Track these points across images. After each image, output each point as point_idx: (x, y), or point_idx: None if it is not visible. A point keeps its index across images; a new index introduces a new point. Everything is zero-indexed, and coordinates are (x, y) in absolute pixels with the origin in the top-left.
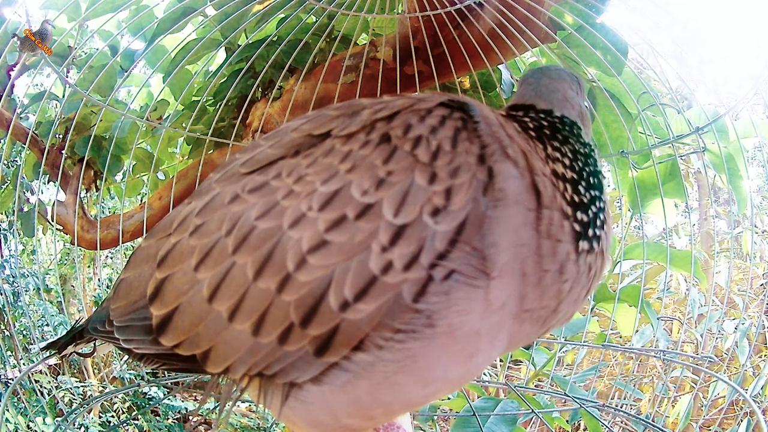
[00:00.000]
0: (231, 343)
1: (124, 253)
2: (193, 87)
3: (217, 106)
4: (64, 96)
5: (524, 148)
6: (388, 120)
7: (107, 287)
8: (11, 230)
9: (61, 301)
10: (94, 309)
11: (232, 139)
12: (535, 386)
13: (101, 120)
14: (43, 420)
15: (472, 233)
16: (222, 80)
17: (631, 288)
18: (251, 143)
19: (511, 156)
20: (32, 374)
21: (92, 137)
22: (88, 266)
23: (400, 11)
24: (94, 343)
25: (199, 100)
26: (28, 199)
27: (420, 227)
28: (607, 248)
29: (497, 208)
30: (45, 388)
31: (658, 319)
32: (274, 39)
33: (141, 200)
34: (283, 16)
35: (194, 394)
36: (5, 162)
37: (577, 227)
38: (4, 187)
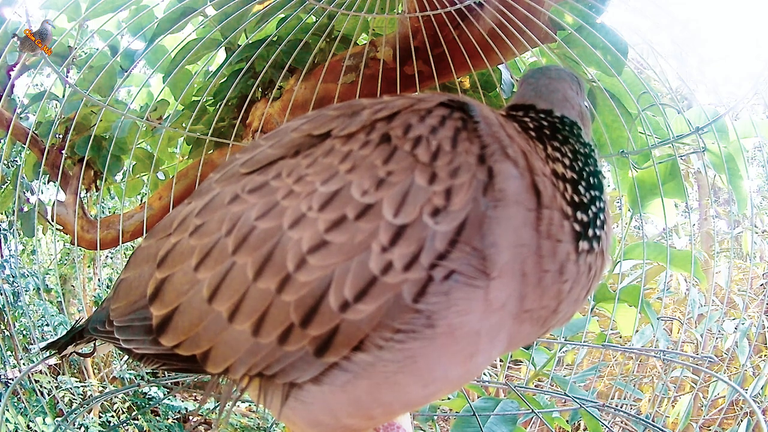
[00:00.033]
0: (231, 344)
1: (124, 253)
2: (193, 87)
3: (217, 106)
4: (64, 96)
5: (524, 148)
6: (388, 120)
7: (107, 287)
8: (11, 230)
9: (61, 301)
10: (94, 309)
11: (232, 139)
12: (535, 386)
13: (101, 120)
14: (43, 420)
15: (472, 233)
16: (222, 80)
17: (631, 288)
18: (251, 143)
19: (511, 156)
20: (32, 374)
21: (92, 137)
22: (88, 266)
23: (400, 11)
24: (94, 343)
25: (199, 100)
26: (28, 199)
27: (420, 227)
28: (607, 248)
29: (497, 208)
30: (45, 388)
31: (658, 319)
32: (274, 39)
33: (141, 200)
34: (283, 16)
35: (194, 394)
36: (5, 162)
37: (577, 227)
38: (4, 187)
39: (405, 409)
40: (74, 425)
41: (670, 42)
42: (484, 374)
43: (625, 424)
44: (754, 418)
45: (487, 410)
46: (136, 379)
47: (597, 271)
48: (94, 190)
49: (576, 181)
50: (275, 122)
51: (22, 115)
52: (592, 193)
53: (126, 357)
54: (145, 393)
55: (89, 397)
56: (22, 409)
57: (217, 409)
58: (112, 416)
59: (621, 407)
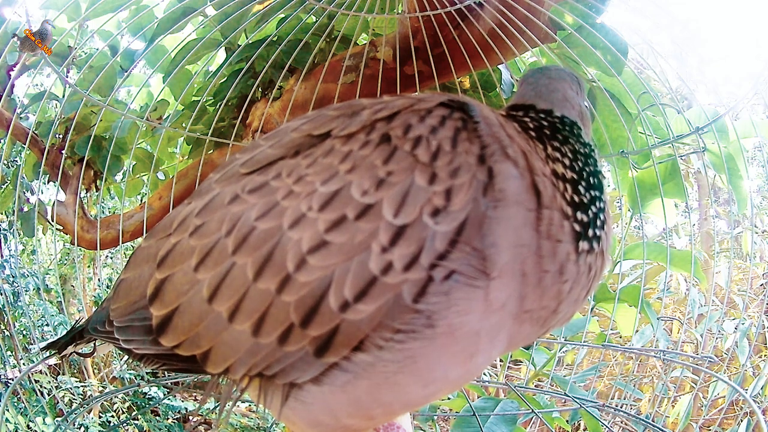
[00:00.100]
0: (231, 344)
1: (124, 253)
2: (193, 87)
3: (217, 106)
4: (64, 96)
5: (524, 148)
6: (388, 120)
7: (107, 287)
8: (11, 230)
9: (61, 301)
10: (94, 309)
11: (232, 139)
12: (535, 386)
13: (101, 120)
14: (43, 420)
15: (472, 233)
16: (222, 80)
17: (631, 288)
18: (251, 143)
19: (511, 156)
20: (32, 374)
21: (92, 137)
22: (88, 266)
23: (400, 11)
24: (94, 343)
25: (199, 100)
26: (28, 199)
27: (420, 228)
28: (607, 248)
29: (497, 208)
30: (45, 388)
31: (658, 319)
32: (274, 39)
33: (141, 200)
34: (283, 16)
35: (194, 394)
36: (5, 162)
37: (577, 227)
38: (4, 187)
39: (405, 409)
40: (74, 425)
41: (670, 42)
42: (484, 374)
43: (625, 424)
44: (754, 418)
45: (487, 410)
46: (136, 379)
47: (597, 272)
48: (94, 190)
49: (576, 181)
50: (275, 122)
51: (22, 115)
52: (592, 193)
53: (126, 357)
54: (145, 393)
55: (89, 397)
56: (22, 409)
57: (217, 409)
58: (112, 416)
59: (621, 407)
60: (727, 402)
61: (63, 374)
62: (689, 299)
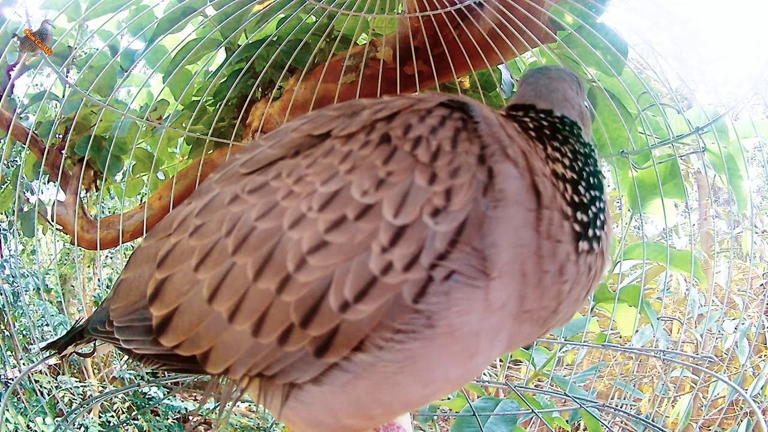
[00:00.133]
0: (231, 344)
1: (124, 253)
2: (193, 87)
3: (217, 106)
4: (64, 96)
5: (524, 149)
6: (388, 120)
7: (107, 287)
8: (11, 230)
9: (61, 301)
10: (94, 309)
11: (232, 139)
12: (535, 386)
13: (101, 120)
14: (43, 420)
15: (472, 234)
16: (222, 80)
17: (631, 288)
18: (251, 143)
19: (511, 156)
20: (32, 374)
21: (92, 137)
22: (88, 266)
23: (400, 11)
24: (94, 343)
25: (199, 100)
26: (28, 199)
27: (420, 228)
28: (607, 248)
29: (497, 208)
30: (45, 388)
31: (658, 319)
32: (274, 39)
33: (141, 200)
34: (283, 16)
35: (194, 394)
36: (5, 162)
37: (577, 227)
38: (4, 187)
39: (405, 409)
40: (74, 425)
41: (670, 42)
42: (484, 374)
43: (625, 424)
44: (754, 418)
45: (487, 410)
46: (136, 379)
47: (597, 272)
48: (94, 190)
49: (576, 181)
50: (275, 122)
51: (22, 115)
52: (592, 193)
53: (126, 357)
54: (145, 393)
55: (89, 397)
56: (22, 409)
57: (217, 409)
58: (112, 416)
59: (621, 407)
60: (727, 402)
61: (63, 374)
62: (689, 299)
